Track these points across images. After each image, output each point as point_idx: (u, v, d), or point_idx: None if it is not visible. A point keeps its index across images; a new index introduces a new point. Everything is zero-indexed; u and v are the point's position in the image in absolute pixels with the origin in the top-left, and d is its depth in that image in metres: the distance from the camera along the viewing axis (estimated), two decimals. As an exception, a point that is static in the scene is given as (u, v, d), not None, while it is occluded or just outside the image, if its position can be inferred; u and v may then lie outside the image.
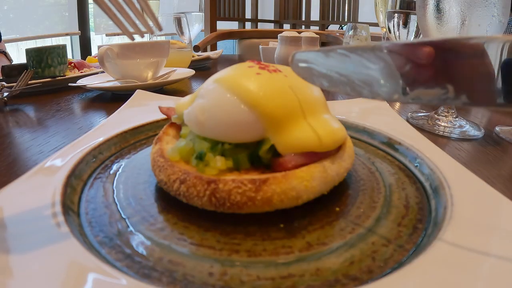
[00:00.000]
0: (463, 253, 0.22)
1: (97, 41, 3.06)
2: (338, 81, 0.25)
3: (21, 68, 0.75)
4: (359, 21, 2.28)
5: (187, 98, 0.35)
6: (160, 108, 0.40)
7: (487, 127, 0.56)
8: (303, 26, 2.42)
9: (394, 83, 0.23)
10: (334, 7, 2.32)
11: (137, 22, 0.35)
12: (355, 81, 0.24)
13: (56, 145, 0.45)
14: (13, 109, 0.62)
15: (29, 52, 0.77)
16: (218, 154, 0.29)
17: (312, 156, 0.29)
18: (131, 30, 0.34)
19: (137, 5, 0.33)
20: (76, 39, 2.91)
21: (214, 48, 1.79)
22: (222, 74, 0.31)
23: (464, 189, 0.30)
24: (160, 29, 0.33)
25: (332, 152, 0.31)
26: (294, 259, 0.23)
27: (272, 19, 2.46)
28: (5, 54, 1.21)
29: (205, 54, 1.20)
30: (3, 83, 0.68)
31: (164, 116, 0.42)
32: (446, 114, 0.55)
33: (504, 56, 0.19)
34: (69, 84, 0.71)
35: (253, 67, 0.31)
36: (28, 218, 0.25)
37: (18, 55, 2.39)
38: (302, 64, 0.26)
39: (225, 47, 1.82)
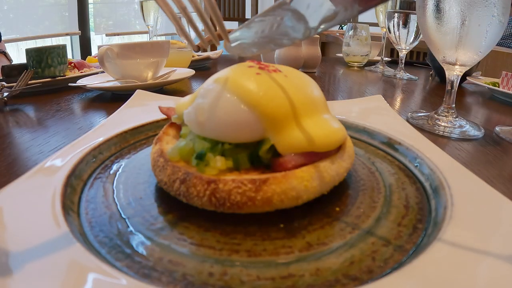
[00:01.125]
0: (463, 253, 0.22)
1: (97, 41, 3.06)
2: (263, 43, 0.30)
3: (21, 68, 0.75)
4: (359, 21, 2.28)
5: (187, 98, 0.35)
6: (160, 108, 0.40)
7: (487, 127, 0.56)
8: (303, 26, 2.41)
9: (304, 22, 0.27)
10: (334, 7, 2.32)
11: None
12: (275, 37, 0.29)
13: (56, 145, 0.45)
14: (13, 109, 0.62)
15: (29, 52, 0.77)
16: (218, 154, 0.29)
17: (312, 156, 0.29)
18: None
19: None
20: (76, 39, 2.91)
21: (214, 48, 1.79)
22: (222, 74, 0.31)
23: (464, 189, 0.30)
24: (228, 40, 0.29)
25: (332, 152, 0.31)
26: (294, 259, 0.23)
27: (272, 19, 2.46)
28: (5, 54, 1.21)
29: (205, 54, 1.20)
30: (3, 83, 0.68)
31: (164, 116, 0.42)
32: (446, 114, 0.55)
33: None
34: (69, 84, 0.71)
35: (253, 67, 0.31)
36: (28, 218, 0.25)
37: (18, 55, 2.39)
38: (234, 44, 0.30)
39: (225, 47, 1.81)
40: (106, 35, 3.08)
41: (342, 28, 2.84)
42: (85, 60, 0.99)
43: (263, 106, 0.28)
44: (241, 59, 1.40)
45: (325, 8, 0.26)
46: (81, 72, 0.88)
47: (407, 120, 0.57)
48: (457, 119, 0.55)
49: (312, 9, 0.26)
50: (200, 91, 0.32)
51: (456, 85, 0.53)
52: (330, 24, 0.26)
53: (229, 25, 2.25)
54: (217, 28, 0.29)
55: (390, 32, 1.04)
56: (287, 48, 1.00)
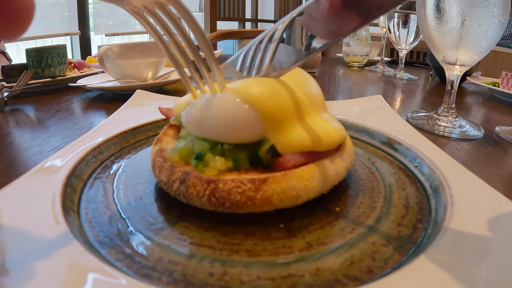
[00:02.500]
0: (463, 253, 0.22)
1: (97, 41, 3.06)
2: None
3: (21, 68, 0.75)
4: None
5: (184, 98, 0.35)
6: (160, 109, 0.40)
7: (487, 127, 0.56)
8: (303, 26, 2.41)
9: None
10: (334, 7, 2.31)
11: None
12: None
13: (56, 145, 0.45)
14: (13, 109, 0.62)
15: (29, 52, 0.77)
16: (217, 154, 0.28)
17: (312, 156, 0.29)
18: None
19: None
20: (76, 39, 2.91)
21: (214, 48, 1.79)
22: None
23: (464, 189, 0.30)
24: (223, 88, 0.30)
25: (332, 152, 0.31)
26: (294, 259, 0.23)
27: (272, 19, 2.46)
28: (4, 54, 1.21)
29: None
30: (3, 83, 0.68)
31: (163, 116, 0.42)
32: (446, 114, 0.55)
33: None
34: (69, 84, 0.71)
35: None
36: (28, 218, 0.25)
37: (18, 55, 2.39)
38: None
39: (225, 47, 1.82)
40: (106, 35, 3.08)
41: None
42: (85, 60, 0.99)
43: (262, 104, 0.28)
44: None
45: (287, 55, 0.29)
46: (81, 72, 0.88)
47: (407, 120, 0.57)
48: (457, 119, 0.55)
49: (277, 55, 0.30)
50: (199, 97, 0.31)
51: (456, 85, 0.53)
52: (290, 68, 0.30)
53: (229, 25, 2.25)
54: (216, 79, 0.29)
55: (390, 32, 1.04)
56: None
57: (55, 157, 0.34)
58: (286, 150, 0.28)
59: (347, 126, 0.35)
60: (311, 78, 0.34)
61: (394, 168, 0.37)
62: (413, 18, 0.97)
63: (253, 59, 0.31)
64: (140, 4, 0.24)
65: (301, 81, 0.32)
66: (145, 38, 3.29)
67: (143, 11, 0.25)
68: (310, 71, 1.09)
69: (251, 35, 1.92)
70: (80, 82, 0.72)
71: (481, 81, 0.91)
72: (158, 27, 0.26)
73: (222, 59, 1.39)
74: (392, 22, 1.01)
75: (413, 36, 1.00)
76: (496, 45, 0.49)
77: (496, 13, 0.43)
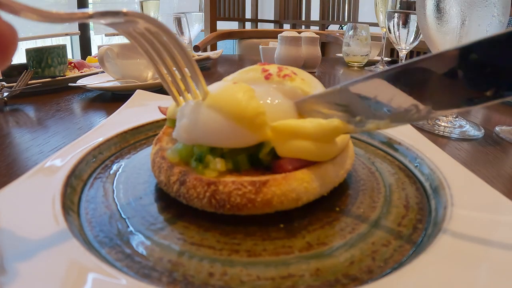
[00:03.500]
0: (463, 253, 0.22)
1: (97, 41, 3.06)
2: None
3: (21, 68, 0.75)
4: (359, 21, 2.28)
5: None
6: (159, 108, 0.40)
7: (487, 127, 0.56)
8: (303, 26, 2.42)
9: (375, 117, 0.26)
10: (334, 7, 2.32)
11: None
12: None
13: (56, 145, 0.45)
14: (13, 109, 0.62)
15: (29, 52, 0.77)
16: (217, 156, 0.28)
17: (312, 157, 0.29)
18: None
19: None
20: (76, 39, 2.91)
21: (214, 48, 1.79)
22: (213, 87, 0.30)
23: (464, 189, 0.30)
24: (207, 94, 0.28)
25: (332, 153, 0.30)
26: (294, 259, 0.23)
27: (272, 19, 2.47)
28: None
29: (205, 54, 1.20)
30: (3, 83, 0.68)
31: (163, 116, 0.42)
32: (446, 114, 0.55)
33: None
34: (69, 84, 0.71)
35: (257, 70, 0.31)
36: (28, 218, 0.25)
37: (18, 55, 2.39)
38: None
39: (225, 47, 1.81)
40: (106, 35, 3.08)
41: (342, 28, 2.84)
42: (85, 60, 0.99)
43: (249, 120, 0.26)
44: (241, 59, 1.40)
45: (396, 104, 0.24)
46: (81, 72, 0.88)
47: (407, 120, 0.57)
48: (457, 119, 0.55)
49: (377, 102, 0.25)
50: (184, 110, 0.30)
51: (456, 85, 0.53)
52: (399, 123, 0.24)
53: (229, 25, 2.25)
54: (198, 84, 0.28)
55: (390, 32, 1.04)
56: (287, 47, 1.00)
57: (55, 157, 0.34)
58: (285, 154, 0.28)
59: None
60: (317, 81, 0.33)
61: (394, 168, 0.37)
62: (413, 18, 0.97)
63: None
64: (133, 30, 0.25)
65: (306, 85, 0.31)
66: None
67: (135, 34, 0.25)
68: (310, 71, 1.09)
69: (251, 35, 1.93)
70: (80, 82, 0.72)
71: (481, 81, 0.91)
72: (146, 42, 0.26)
73: (222, 59, 1.39)
74: (392, 22, 1.01)
75: (413, 36, 1.00)
76: (496, 45, 0.49)
77: (496, 13, 0.43)
